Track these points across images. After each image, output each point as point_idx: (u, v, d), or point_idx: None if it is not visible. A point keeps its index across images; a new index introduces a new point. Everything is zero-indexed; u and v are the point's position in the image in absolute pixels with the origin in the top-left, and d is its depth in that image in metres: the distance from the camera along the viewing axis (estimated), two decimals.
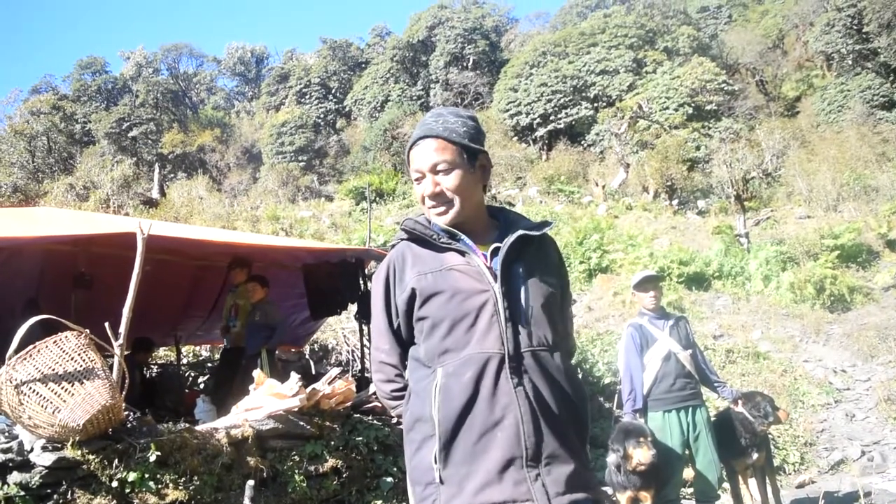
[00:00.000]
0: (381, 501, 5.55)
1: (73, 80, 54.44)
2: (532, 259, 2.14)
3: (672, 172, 25.41)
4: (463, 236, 2.14)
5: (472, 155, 2.15)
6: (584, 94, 39.79)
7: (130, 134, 45.42)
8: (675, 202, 24.98)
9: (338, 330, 11.89)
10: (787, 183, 25.54)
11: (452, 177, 2.11)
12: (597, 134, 37.14)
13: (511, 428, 1.92)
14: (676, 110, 34.49)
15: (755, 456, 5.54)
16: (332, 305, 8.71)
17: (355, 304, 8.70)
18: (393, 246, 2.27)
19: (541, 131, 39.65)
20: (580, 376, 9.49)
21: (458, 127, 2.14)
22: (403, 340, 2.23)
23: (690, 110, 34.54)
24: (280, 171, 34.06)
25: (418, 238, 2.18)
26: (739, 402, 5.60)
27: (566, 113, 39.18)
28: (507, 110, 40.93)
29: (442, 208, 2.14)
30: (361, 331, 9.05)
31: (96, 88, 53.30)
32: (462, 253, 2.11)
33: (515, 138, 39.13)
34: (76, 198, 27.83)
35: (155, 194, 31.92)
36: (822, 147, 28.34)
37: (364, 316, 8.65)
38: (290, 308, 8.70)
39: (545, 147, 38.79)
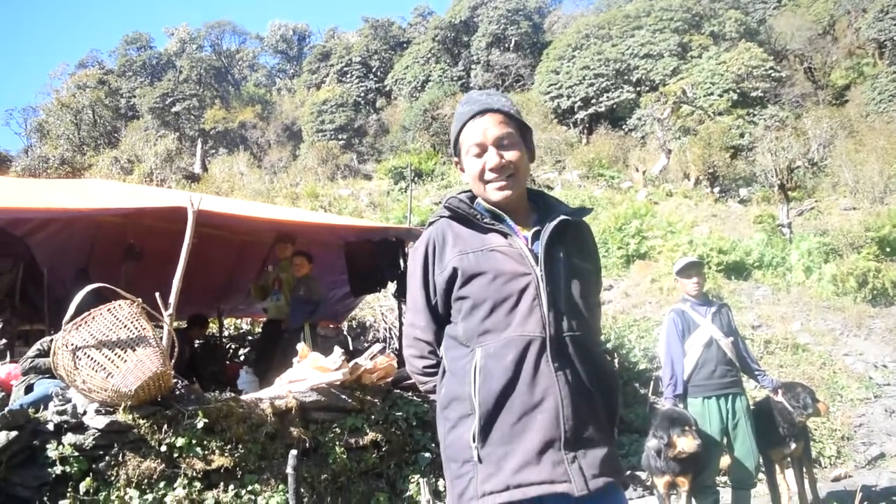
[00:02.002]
0: (418, 476, 5.65)
1: (118, 56, 55.19)
2: (571, 245, 2.14)
3: (714, 159, 25.04)
4: (506, 217, 2.14)
5: (527, 133, 2.18)
6: (626, 78, 39.29)
7: (174, 109, 45.98)
8: (716, 190, 24.62)
9: (375, 307, 12.02)
10: (832, 173, 25.01)
11: (515, 152, 2.12)
12: (638, 118, 36.68)
13: (551, 411, 1.94)
14: (721, 96, 33.90)
15: (793, 446, 5.52)
16: (371, 283, 8.82)
17: (394, 283, 8.80)
18: (432, 223, 2.25)
19: (582, 114, 39.29)
20: (615, 362, 9.50)
21: (511, 107, 2.15)
22: (440, 318, 2.22)
23: (735, 97, 33.91)
24: (320, 149, 34.22)
25: (461, 217, 2.17)
26: (779, 391, 5.58)
27: (608, 96, 38.75)
28: (548, 93, 40.59)
29: (503, 182, 2.12)
30: (400, 309, 9.15)
31: (141, 64, 53.98)
32: (504, 235, 2.10)
33: (556, 121, 38.76)
34: (121, 171, 28.39)
35: (197, 169, 32.40)
36: (870, 137, 27.64)
37: (403, 294, 8.74)
38: (329, 284, 8.82)
39: (586, 130, 38.45)
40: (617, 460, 2.05)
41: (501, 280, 2.04)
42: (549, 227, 2.09)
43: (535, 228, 2.12)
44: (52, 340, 5.72)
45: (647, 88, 37.89)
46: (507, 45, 47.83)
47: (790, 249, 16.22)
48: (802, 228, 18.40)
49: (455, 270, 2.10)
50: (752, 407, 5.55)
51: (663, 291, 14.54)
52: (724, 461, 5.66)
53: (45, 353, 5.59)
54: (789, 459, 5.73)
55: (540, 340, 1.98)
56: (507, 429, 1.96)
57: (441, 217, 2.22)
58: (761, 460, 5.43)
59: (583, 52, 40.50)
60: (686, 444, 4.75)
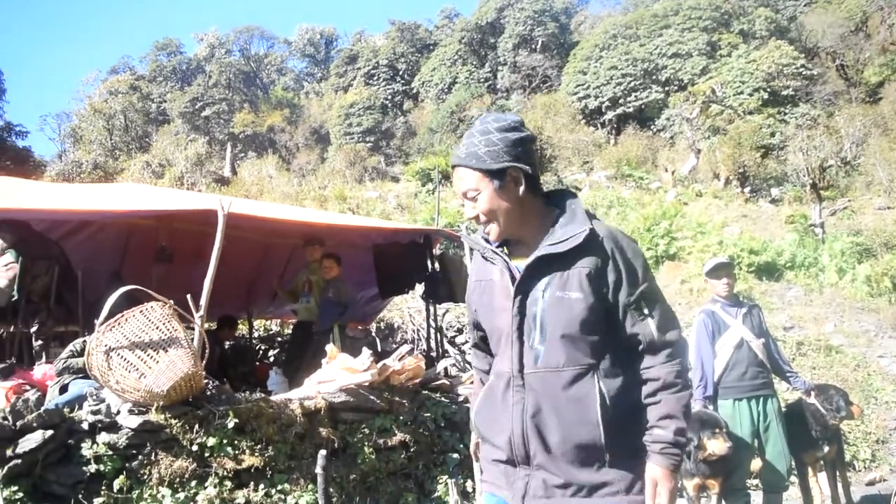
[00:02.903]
0: (446, 476, 5.66)
1: (149, 61, 56.09)
2: (562, 272, 2.11)
3: (745, 159, 24.77)
4: (499, 252, 2.24)
5: (498, 174, 2.14)
6: (654, 78, 39.05)
7: (203, 113, 46.56)
8: (747, 190, 24.35)
9: (403, 309, 12.05)
10: (866, 172, 24.62)
11: (482, 201, 2.16)
12: (667, 118, 36.43)
13: (507, 436, 2.15)
14: (751, 95, 33.55)
15: (826, 449, 5.46)
16: (400, 285, 8.85)
17: (422, 285, 8.82)
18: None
19: (609, 115, 39.12)
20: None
21: (480, 149, 2.15)
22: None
23: (766, 95, 33.54)
24: (347, 152, 34.39)
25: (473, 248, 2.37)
26: (812, 393, 5.51)
27: (636, 96, 38.55)
28: (576, 93, 40.48)
29: (487, 228, 2.23)
30: (428, 311, 9.16)
31: (171, 69, 54.78)
32: (502, 267, 2.23)
33: (583, 121, 38.66)
34: (152, 175, 28.72)
35: (227, 173, 32.69)
36: None
37: (431, 296, 8.77)
38: (358, 286, 8.85)
39: (614, 131, 38.25)
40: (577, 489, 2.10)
41: (491, 314, 2.24)
42: (527, 263, 2.14)
43: (530, 259, 2.15)
44: (84, 341, 5.82)
45: (676, 88, 37.61)
46: (533, 46, 47.76)
47: (823, 250, 16.00)
48: (835, 228, 18.14)
49: (470, 299, 2.36)
50: (784, 409, 5.49)
51: (693, 293, 14.41)
52: (755, 464, 5.60)
53: (78, 354, 5.69)
54: (822, 463, 5.66)
55: (507, 377, 2.16)
56: (487, 447, 2.30)
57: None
58: (793, 463, 5.36)
59: (610, 52, 40.32)
60: (716, 446, 4.71)
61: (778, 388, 5.65)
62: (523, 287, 2.13)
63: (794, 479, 5.74)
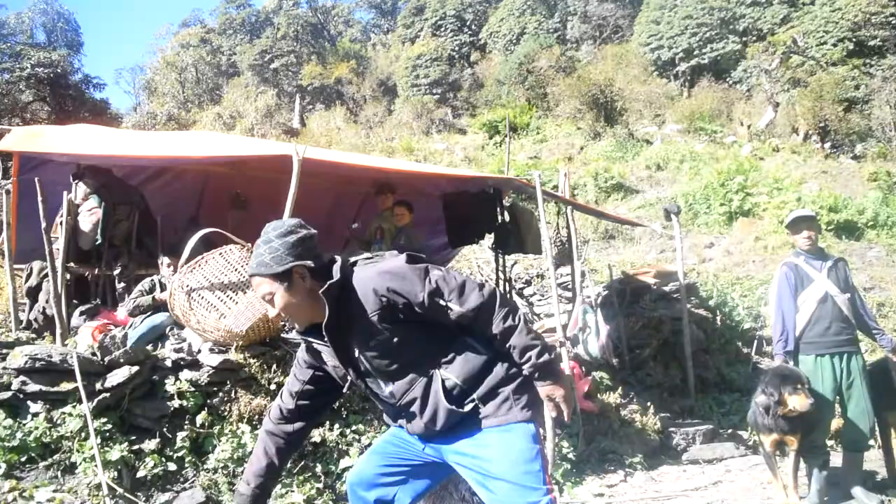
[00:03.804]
0: None
1: (219, 14, 56.45)
2: (355, 331, 2.51)
3: (826, 113, 23.68)
4: (312, 339, 2.64)
5: (284, 275, 2.45)
6: (732, 27, 37.46)
7: (272, 66, 46.83)
8: (827, 145, 23.34)
9: (472, 259, 12.07)
10: None
11: (278, 301, 2.49)
12: (744, 70, 35.00)
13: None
14: (835, 45, 31.88)
15: None
16: (469, 234, 8.83)
17: (492, 235, 8.78)
18: None
19: (683, 66, 37.78)
20: (717, 320, 9.29)
21: (265, 257, 2.45)
22: None
23: (851, 46, 31.81)
24: (414, 104, 34.24)
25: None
26: None
27: (711, 47, 37.06)
28: (648, 44, 39.19)
29: (291, 322, 2.64)
30: (497, 261, 9.14)
31: (241, 21, 55.10)
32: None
33: (655, 73, 37.48)
34: (223, 126, 29.24)
35: (295, 124, 33.03)
36: None
37: (500, 246, 8.73)
38: (427, 234, 8.88)
39: (687, 83, 36.99)
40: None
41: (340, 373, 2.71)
42: (327, 336, 2.51)
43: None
44: (152, 280, 6.03)
45: (754, 38, 36.00)
46: None
47: None
48: None
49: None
50: (867, 367, 5.30)
51: (768, 250, 14.03)
52: (836, 423, 5.45)
53: (146, 292, 5.90)
54: None
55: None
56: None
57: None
58: (876, 423, 5.20)
59: (685, 1, 38.78)
60: (798, 402, 4.58)
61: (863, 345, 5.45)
62: (342, 350, 2.56)
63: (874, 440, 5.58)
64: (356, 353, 2.54)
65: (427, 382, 2.54)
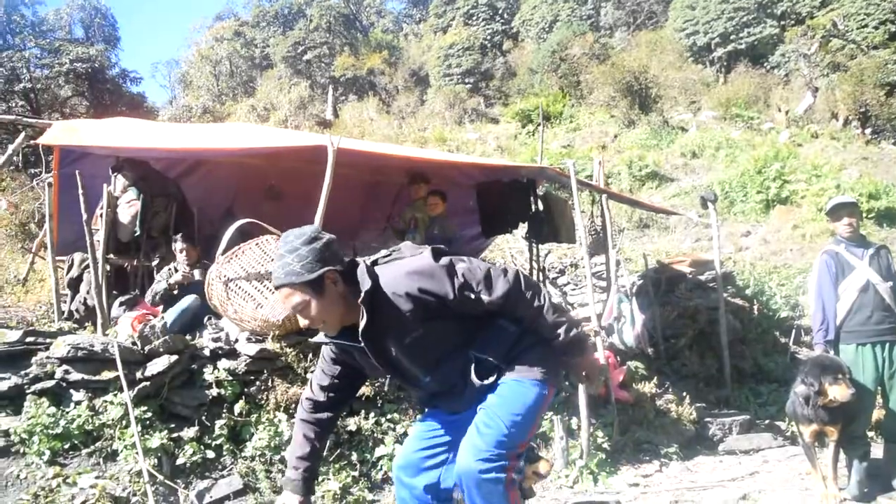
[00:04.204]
0: (551, 413, 5.66)
1: (252, 7, 56.86)
2: (391, 329, 2.51)
3: (867, 98, 23.12)
4: (344, 342, 2.62)
5: (316, 282, 2.42)
6: (769, 11, 36.72)
7: (305, 57, 47.02)
8: (868, 131, 22.80)
9: (505, 249, 12.04)
10: None
11: (314, 310, 2.46)
12: (782, 55, 34.31)
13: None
14: (877, 28, 31.09)
15: None
16: (502, 224, 8.81)
17: (525, 224, 8.75)
18: None
19: (719, 52, 37.13)
20: (755, 308, 9.12)
21: (294, 266, 2.42)
22: None
23: (893, 28, 31.03)
24: (447, 94, 34.15)
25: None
26: None
27: (748, 32, 36.37)
28: (683, 29, 38.59)
29: (321, 326, 2.56)
30: (531, 250, 9.11)
31: (273, 14, 55.37)
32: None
33: (691, 59, 36.91)
34: (257, 118, 29.51)
35: (328, 115, 33.20)
36: None
37: (534, 236, 8.70)
38: (460, 224, 8.87)
39: (723, 69, 36.38)
40: None
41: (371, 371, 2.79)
42: (364, 341, 2.50)
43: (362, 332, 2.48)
44: (168, 269, 6.14)
45: (793, 22, 35.23)
46: None
47: None
48: None
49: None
50: None
51: (806, 238, 13.78)
52: (877, 413, 5.35)
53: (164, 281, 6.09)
54: None
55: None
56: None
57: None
58: None
59: None
60: (839, 392, 4.49)
61: None
62: (377, 350, 2.55)
63: None
64: (393, 353, 2.57)
65: (464, 365, 2.61)
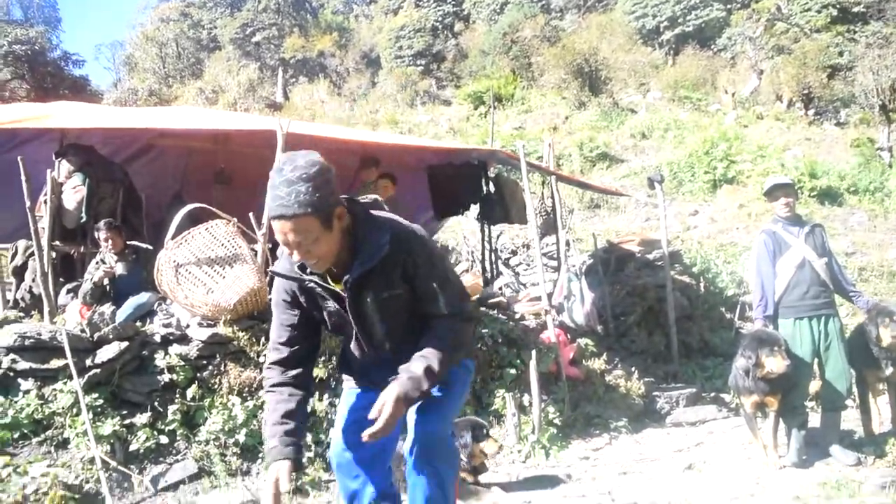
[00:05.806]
0: (503, 390, 5.78)
1: None
2: (376, 282, 2.40)
3: (810, 80, 23.70)
4: (319, 282, 2.44)
5: (331, 215, 2.24)
6: None
7: (254, 39, 46.31)
8: (811, 112, 23.40)
9: (457, 231, 12.11)
10: None
11: (319, 245, 2.25)
12: (728, 38, 34.91)
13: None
14: (819, 12, 31.81)
15: (889, 371, 5.36)
16: (454, 206, 8.87)
17: (477, 206, 8.83)
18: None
19: (667, 35, 37.65)
20: (701, 286, 9.36)
21: (309, 196, 2.17)
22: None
23: (835, 12, 31.74)
24: (398, 76, 34.05)
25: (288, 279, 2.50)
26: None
27: (696, 15, 36.93)
28: (633, 12, 38.99)
29: (313, 263, 2.33)
30: (483, 232, 9.19)
31: None
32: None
33: (640, 42, 37.33)
34: (205, 101, 28.98)
35: (279, 98, 32.82)
36: None
37: (486, 217, 8.78)
38: (412, 207, 8.91)
39: (671, 51, 36.90)
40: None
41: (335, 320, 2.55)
42: (349, 286, 2.40)
43: (345, 278, 2.39)
44: (96, 263, 6.06)
45: (739, 6, 35.87)
46: None
47: (890, 174, 15.47)
48: None
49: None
50: (851, 329, 5.41)
51: (752, 217, 14.16)
52: (814, 384, 5.57)
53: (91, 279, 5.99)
54: (885, 384, 5.58)
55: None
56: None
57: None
58: (854, 383, 5.32)
59: None
60: (775, 364, 4.68)
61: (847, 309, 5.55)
62: (354, 300, 2.44)
63: (852, 400, 5.70)
64: (368, 305, 2.46)
65: (411, 347, 2.47)
